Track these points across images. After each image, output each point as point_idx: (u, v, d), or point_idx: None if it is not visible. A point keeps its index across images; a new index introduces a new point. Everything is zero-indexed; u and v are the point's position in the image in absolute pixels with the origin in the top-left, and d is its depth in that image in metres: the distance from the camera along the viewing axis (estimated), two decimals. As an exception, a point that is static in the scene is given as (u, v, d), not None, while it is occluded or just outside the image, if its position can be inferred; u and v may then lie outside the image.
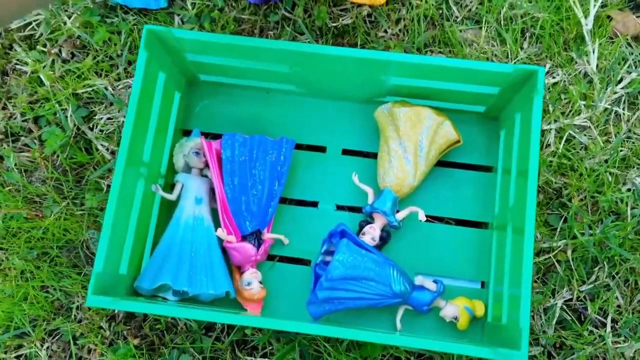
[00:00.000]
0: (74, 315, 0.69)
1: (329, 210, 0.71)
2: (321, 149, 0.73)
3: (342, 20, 0.78)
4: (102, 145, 0.74)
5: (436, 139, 0.67)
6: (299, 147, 0.72)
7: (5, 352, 0.68)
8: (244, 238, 0.66)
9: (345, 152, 0.72)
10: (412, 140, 0.66)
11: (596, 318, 0.69)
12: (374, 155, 0.71)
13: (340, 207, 0.71)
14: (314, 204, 0.71)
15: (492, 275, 0.66)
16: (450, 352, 0.61)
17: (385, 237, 0.68)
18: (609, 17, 0.78)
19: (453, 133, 0.67)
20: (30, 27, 0.78)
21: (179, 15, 0.78)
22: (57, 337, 0.69)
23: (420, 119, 0.66)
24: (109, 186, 0.72)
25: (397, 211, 0.67)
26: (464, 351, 0.54)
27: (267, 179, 0.66)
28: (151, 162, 0.65)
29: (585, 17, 0.77)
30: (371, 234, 0.66)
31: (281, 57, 0.63)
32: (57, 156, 0.73)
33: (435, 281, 0.65)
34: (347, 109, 0.73)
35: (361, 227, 0.68)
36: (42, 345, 0.68)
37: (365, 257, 0.62)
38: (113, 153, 0.74)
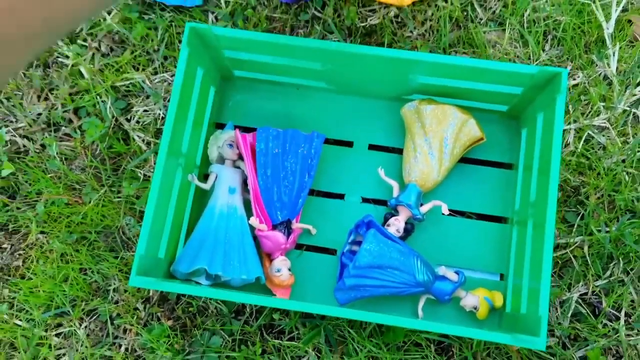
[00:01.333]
0: (111, 297, 0.72)
1: (355, 202, 0.74)
2: (348, 144, 0.76)
3: (370, 20, 0.81)
4: (138, 136, 0.77)
5: (460, 136, 0.69)
6: (327, 141, 0.75)
7: (46, 330, 0.72)
8: (274, 227, 0.69)
9: (372, 147, 0.75)
10: (438, 136, 0.69)
11: (610, 312, 0.72)
12: (399, 151, 0.74)
13: (365, 200, 0.74)
14: (341, 196, 0.74)
15: (512, 268, 0.69)
16: (472, 337, 0.64)
17: (409, 230, 0.71)
18: (629, 21, 0.80)
19: (477, 131, 0.70)
20: (72, 21, 0.82)
21: (213, 12, 0.81)
22: (95, 317, 0.72)
23: (446, 116, 0.69)
24: (145, 175, 0.76)
25: (421, 205, 0.70)
26: (485, 337, 0.57)
27: (298, 171, 0.70)
28: (188, 153, 0.68)
29: (607, 21, 0.80)
30: (396, 225, 0.69)
31: (315, 54, 0.66)
32: (97, 145, 0.77)
33: (457, 272, 0.68)
34: (375, 106, 0.76)
35: (386, 219, 0.71)
36: (80, 325, 0.72)
37: (391, 247, 0.65)
38: (149, 144, 0.77)
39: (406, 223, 0.70)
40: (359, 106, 0.76)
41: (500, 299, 0.68)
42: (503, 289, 0.70)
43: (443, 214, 0.69)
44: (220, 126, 0.76)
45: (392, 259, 0.65)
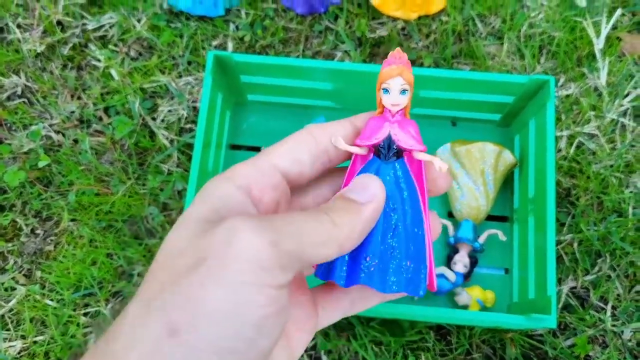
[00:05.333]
0: (135, 280, 0.78)
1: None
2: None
3: (379, 32, 0.88)
4: (162, 134, 0.84)
5: (499, 167, 0.75)
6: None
7: (74, 310, 0.77)
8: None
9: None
10: (478, 172, 0.75)
11: (597, 304, 0.77)
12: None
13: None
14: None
15: (516, 261, 0.75)
16: (485, 323, 0.68)
17: (474, 262, 0.75)
18: (618, 38, 0.87)
19: (512, 158, 0.75)
20: (104, 28, 0.89)
21: (234, 22, 0.88)
22: (120, 298, 0.78)
23: (482, 152, 0.75)
24: (168, 170, 0.82)
25: (478, 236, 0.76)
26: (500, 319, 0.62)
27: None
28: (213, 172, 0.74)
29: (597, 37, 0.86)
30: (462, 262, 0.74)
31: (324, 74, 0.72)
32: (125, 141, 0.83)
33: (455, 273, 0.73)
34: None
35: (450, 258, 0.76)
36: (106, 305, 0.78)
37: None
38: (172, 141, 0.84)
39: (469, 256, 0.75)
40: (365, 122, 0.82)
41: (492, 299, 0.74)
42: (509, 282, 0.76)
43: (501, 239, 0.74)
44: (236, 148, 0.82)
45: None
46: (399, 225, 0.29)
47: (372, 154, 0.30)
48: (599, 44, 0.86)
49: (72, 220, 0.81)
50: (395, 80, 0.29)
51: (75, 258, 0.79)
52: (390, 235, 0.28)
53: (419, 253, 0.29)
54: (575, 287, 0.78)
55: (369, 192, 0.28)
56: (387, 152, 0.30)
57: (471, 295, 0.73)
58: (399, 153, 0.30)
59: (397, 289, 0.28)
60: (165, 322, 0.22)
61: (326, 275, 0.29)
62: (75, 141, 0.84)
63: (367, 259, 0.28)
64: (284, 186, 0.29)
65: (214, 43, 0.88)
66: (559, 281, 0.78)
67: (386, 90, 0.30)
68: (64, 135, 0.84)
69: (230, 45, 0.87)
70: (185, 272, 0.23)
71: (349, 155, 0.30)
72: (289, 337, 0.30)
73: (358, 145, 0.30)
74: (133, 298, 0.25)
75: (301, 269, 0.25)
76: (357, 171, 0.30)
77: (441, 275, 0.72)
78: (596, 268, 0.78)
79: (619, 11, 0.87)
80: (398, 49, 0.30)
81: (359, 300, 0.32)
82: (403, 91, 0.30)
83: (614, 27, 0.87)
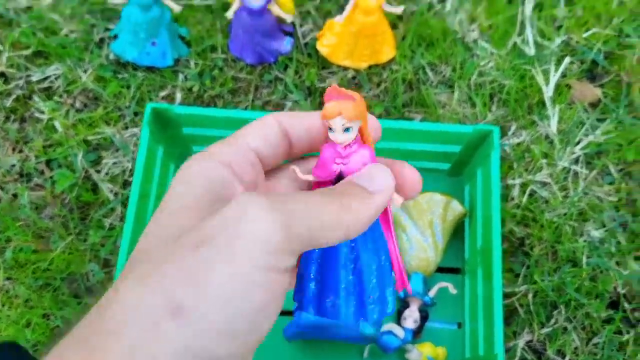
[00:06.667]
0: (72, 342, 0.74)
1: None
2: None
3: (329, 81, 0.87)
4: (107, 187, 0.81)
5: (447, 217, 0.74)
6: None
7: (6, 375, 0.73)
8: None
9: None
10: (427, 223, 0.73)
11: (554, 359, 0.74)
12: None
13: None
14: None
15: (467, 315, 0.72)
16: None
17: (424, 317, 0.72)
18: (568, 85, 0.87)
19: (460, 208, 0.74)
20: (50, 80, 0.87)
21: (183, 72, 0.87)
22: (55, 362, 0.74)
23: (430, 203, 0.73)
24: (110, 224, 0.79)
25: (429, 290, 0.73)
26: None
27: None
28: None
29: (547, 85, 0.86)
30: (412, 317, 0.71)
31: None
32: (66, 195, 0.80)
33: (403, 328, 0.71)
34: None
35: (400, 313, 0.73)
36: (40, 369, 0.73)
37: None
38: (116, 194, 0.81)
39: (420, 311, 0.72)
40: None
41: (443, 355, 0.71)
42: (461, 337, 0.73)
43: (452, 293, 0.71)
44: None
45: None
46: (359, 260, 0.28)
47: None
48: (548, 92, 0.86)
49: (8, 278, 0.77)
50: (336, 121, 0.27)
51: (9, 319, 0.75)
52: (351, 272, 0.28)
53: (382, 281, 0.29)
54: (531, 341, 0.75)
55: (378, 181, 0.27)
56: None
57: (422, 352, 0.70)
58: None
59: (364, 320, 0.28)
60: (168, 298, 0.21)
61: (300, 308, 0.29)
62: (15, 195, 0.81)
63: (330, 298, 0.28)
64: (259, 166, 0.29)
65: (162, 94, 0.86)
66: (514, 334, 0.75)
67: (331, 129, 0.28)
68: (2, 189, 0.81)
69: (178, 96, 0.86)
70: (190, 249, 0.22)
71: (309, 146, 0.30)
72: None
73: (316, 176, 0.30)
74: (118, 280, 0.23)
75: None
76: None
77: (389, 332, 0.70)
78: (552, 320, 0.76)
79: (567, 59, 0.88)
80: (334, 85, 0.28)
81: None
82: (347, 129, 0.28)
83: (564, 75, 0.88)
